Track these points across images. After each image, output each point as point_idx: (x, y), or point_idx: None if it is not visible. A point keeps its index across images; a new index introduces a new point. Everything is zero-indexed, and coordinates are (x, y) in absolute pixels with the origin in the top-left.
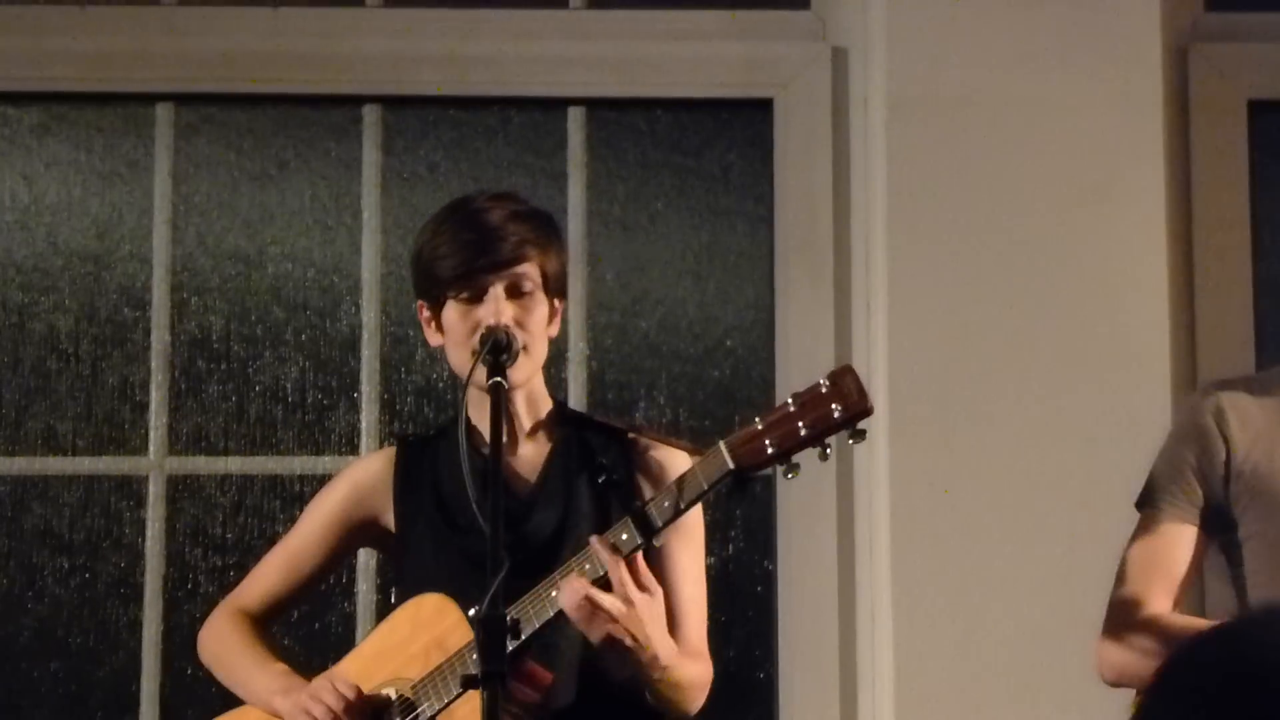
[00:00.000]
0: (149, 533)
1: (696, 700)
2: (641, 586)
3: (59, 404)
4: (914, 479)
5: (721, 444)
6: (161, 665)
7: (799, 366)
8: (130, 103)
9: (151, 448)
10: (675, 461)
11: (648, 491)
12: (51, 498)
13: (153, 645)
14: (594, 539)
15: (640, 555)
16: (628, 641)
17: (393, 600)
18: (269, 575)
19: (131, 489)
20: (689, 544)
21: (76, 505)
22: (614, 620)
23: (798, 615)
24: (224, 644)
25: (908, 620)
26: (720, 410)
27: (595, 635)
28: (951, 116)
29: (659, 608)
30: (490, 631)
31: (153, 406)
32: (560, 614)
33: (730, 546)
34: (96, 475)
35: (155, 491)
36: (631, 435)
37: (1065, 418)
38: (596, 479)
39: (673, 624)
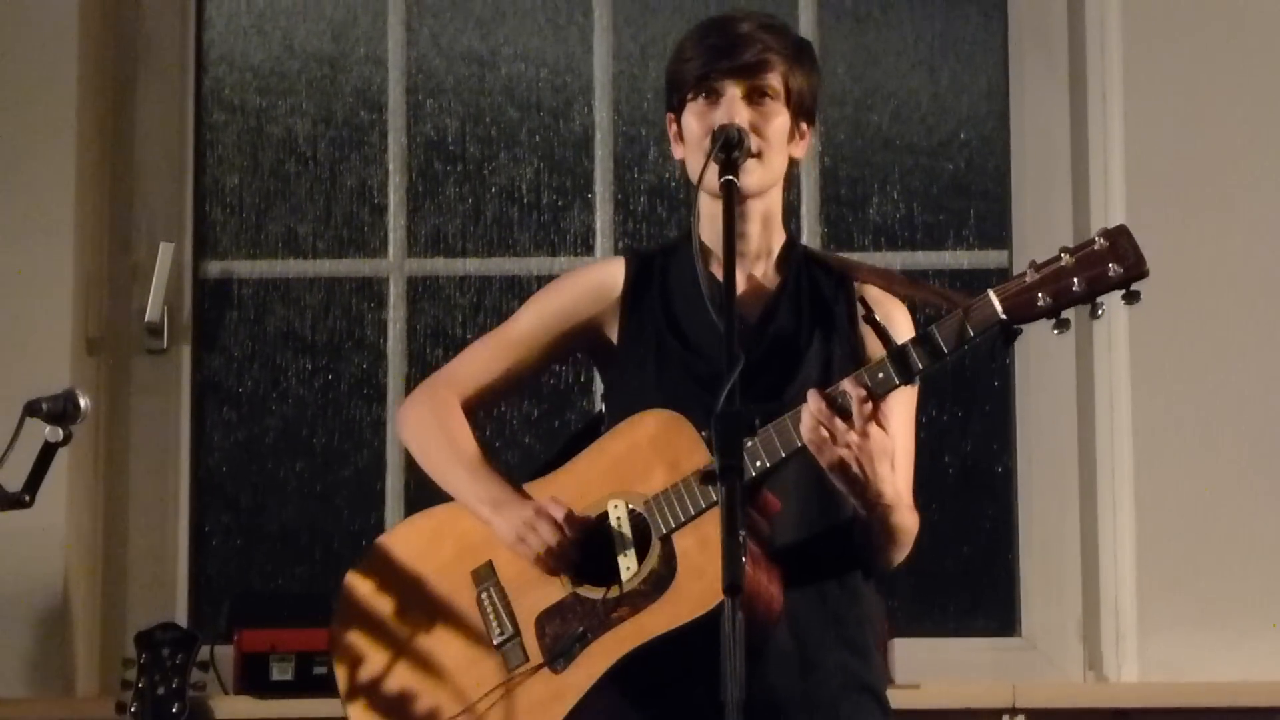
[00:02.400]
0: (390, 333)
1: (904, 550)
2: (878, 423)
3: (298, 207)
4: (1150, 264)
5: (991, 293)
6: (405, 463)
7: (1035, 157)
8: None
9: (391, 249)
10: (898, 317)
11: (867, 341)
12: (293, 300)
13: (396, 443)
14: (849, 378)
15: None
16: (854, 470)
17: (602, 410)
18: (485, 361)
19: (372, 290)
20: (906, 401)
21: (318, 307)
22: (848, 448)
23: (1035, 406)
24: (430, 430)
25: (1146, 409)
26: (954, 203)
27: (826, 460)
28: None
29: (890, 447)
30: (728, 426)
31: (391, 208)
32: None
33: None
34: (337, 277)
35: (396, 292)
36: (858, 286)
37: None
38: (828, 316)
39: None
